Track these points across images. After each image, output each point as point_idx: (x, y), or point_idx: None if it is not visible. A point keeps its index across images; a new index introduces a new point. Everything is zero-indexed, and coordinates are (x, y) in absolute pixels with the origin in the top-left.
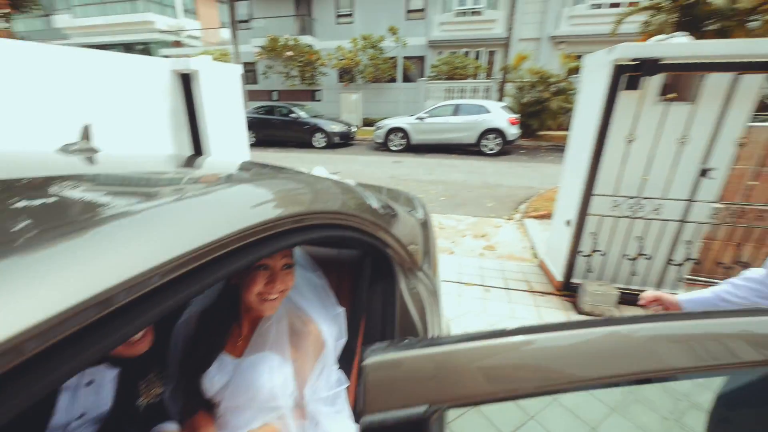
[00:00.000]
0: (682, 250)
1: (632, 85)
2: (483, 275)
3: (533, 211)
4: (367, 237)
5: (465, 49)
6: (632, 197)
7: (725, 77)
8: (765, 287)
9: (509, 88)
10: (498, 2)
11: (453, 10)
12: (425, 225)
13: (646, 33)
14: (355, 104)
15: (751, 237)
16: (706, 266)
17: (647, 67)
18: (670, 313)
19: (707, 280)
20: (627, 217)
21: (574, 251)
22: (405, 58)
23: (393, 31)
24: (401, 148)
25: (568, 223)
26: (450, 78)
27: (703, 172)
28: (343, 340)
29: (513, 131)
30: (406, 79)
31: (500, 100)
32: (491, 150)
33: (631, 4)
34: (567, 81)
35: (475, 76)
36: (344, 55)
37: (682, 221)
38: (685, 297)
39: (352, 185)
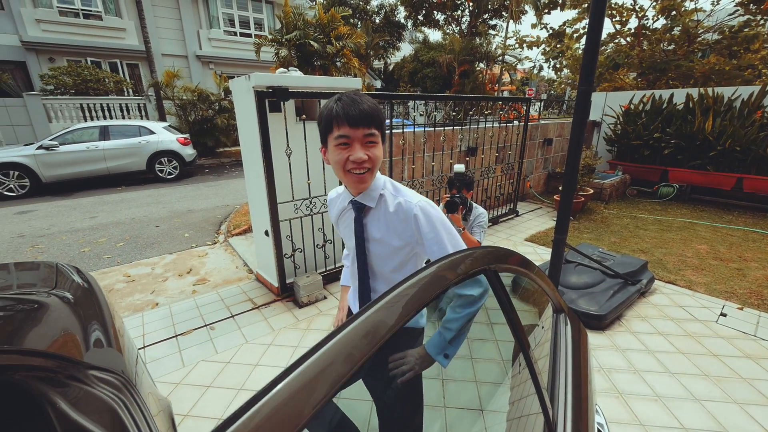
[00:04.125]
0: None
1: (275, 108)
2: (203, 314)
3: (235, 229)
4: None
5: (91, 59)
6: (305, 199)
7: None
8: (347, 260)
9: (169, 106)
10: (122, 10)
11: (54, 6)
12: (87, 292)
13: (278, 63)
14: None
15: None
16: None
17: (279, 93)
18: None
19: None
20: (307, 215)
21: (280, 256)
22: None
23: None
24: (24, 191)
25: (266, 233)
26: (82, 93)
27: None
28: None
29: (189, 152)
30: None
31: (162, 119)
32: (170, 174)
33: (257, 36)
34: (227, 100)
35: (119, 92)
36: None
37: None
38: (343, 281)
39: None
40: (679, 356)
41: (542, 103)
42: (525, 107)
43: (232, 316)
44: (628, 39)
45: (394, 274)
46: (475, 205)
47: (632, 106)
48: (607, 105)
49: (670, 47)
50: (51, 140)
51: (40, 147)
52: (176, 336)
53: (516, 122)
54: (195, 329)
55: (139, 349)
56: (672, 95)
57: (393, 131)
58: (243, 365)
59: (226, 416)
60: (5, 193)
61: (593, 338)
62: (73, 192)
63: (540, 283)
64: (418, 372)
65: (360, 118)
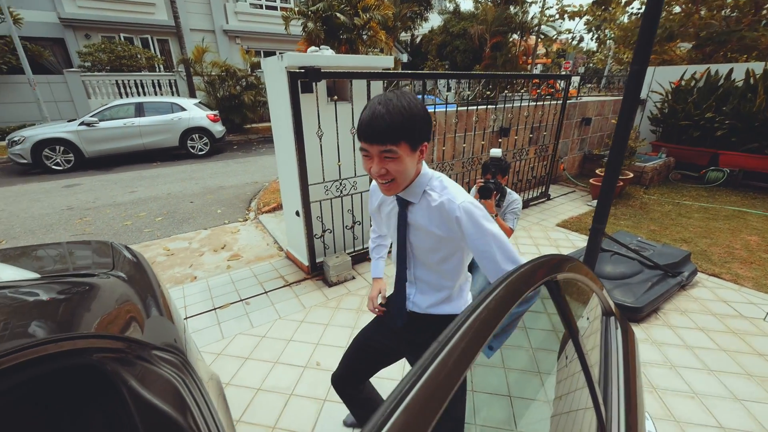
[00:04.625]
0: None
1: (307, 88)
2: (238, 289)
3: (265, 206)
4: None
5: (123, 35)
6: (335, 180)
7: (363, 82)
8: (374, 233)
9: (199, 82)
10: None
11: None
12: (140, 269)
13: (305, 37)
14: None
15: None
16: None
17: (312, 74)
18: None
19: None
20: (337, 197)
21: (311, 236)
22: (26, 39)
23: None
24: (69, 166)
25: (297, 213)
26: (116, 69)
27: None
28: None
29: (218, 128)
30: (40, 69)
31: (192, 95)
32: (201, 151)
33: (283, 9)
34: (254, 76)
35: (151, 68)
36: None
37: None
38: (375, 274)
39: None
40: (720, 353)
41: (581, 79)
42: (563, 85)
43: (266, 293)
44: (684, 6)
45: (441, 266)
46: (509, 190)
47: (683, 83)
48: (655, 80)
49: (732, 15)
50: (91, 117)
51: (82, 123)
52: (215, 309)
53: (550, 98)
54: (231, 303)
55: (183, 319)
56: (731, 70)
57: None
58: (278, 340)
59: None
60: (53, 167)
61: None
62: (113, 167)
63: (592, 286)
64: None
65: (376, 135)
